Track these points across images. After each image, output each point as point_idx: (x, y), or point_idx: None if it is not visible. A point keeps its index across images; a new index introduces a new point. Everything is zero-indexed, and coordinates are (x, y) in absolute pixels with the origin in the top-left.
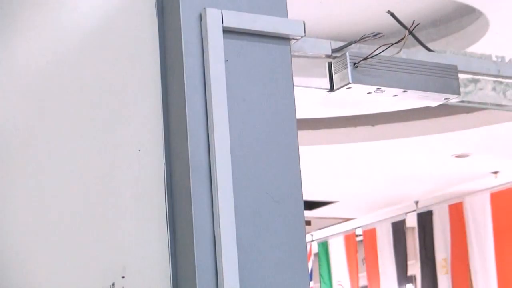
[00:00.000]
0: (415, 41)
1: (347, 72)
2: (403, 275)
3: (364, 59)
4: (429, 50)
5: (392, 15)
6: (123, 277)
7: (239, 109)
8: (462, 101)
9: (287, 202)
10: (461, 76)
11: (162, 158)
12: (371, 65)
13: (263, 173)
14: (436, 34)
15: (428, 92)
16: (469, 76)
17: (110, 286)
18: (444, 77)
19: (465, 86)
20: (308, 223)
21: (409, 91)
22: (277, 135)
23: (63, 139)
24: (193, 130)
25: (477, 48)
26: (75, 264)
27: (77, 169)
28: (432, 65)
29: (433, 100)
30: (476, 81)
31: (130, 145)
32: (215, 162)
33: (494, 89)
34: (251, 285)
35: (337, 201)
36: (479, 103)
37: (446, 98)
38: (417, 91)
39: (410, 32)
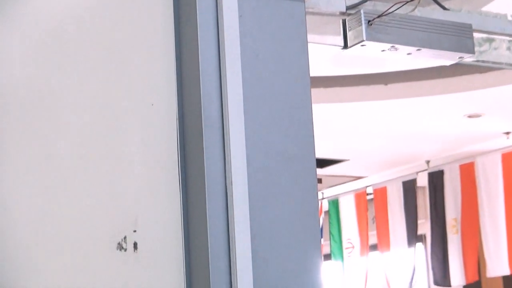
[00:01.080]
0: None
1: (362, 30)
2: (413, 234)
3: (379, 16)
4: (444, 8)
5: None
6: (134, 231)
7: (253, 65)
8: (477, 61)
9: (300, 159)
10: (475, 35)
11: (175, 112)
12: (386, 23)
13: (276, 130)
14: None
15: (442, 51)
16: (484, 35)
17: (122, 239)
18: (459, 36)
19: (480, 45)
20: (319, 181)
21: (423, 50)
22: (290, 92)
23: (77, 93)
24: (206, 85)
25: (492, 7)
26: (87, 220)
27: (90, 122)
28: (446, 23)
29: (447, 59)
30: (491, 41)
31: (144, 100)
32: (228, 118)
33: (509, 48)
34: (261, 238)
35: (348, 160)
36: (494, 63)
37: (460, 57)
38: (431, 50)
39: None
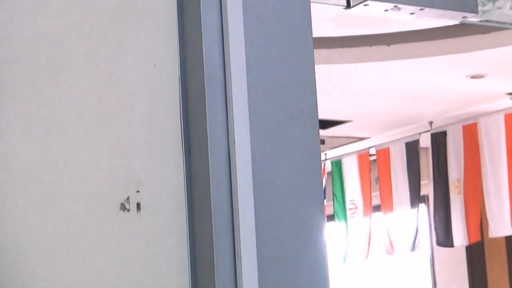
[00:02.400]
0: None
1: None
2: (415, 195)
3: None
4: None
5: None
6: (137, 191)
7: (255, 26)
8: (480, 20)
9: (302, 119)
10: None
11: (177, 73)
12: None
13: (279, 90)
14: None
15: (445, 10)
16: None
17: (125, 200)
18: None
19: (483, 4)
20: (322, 142)
21: (426, 9)
22: (293, 53)
23: (80, 54)
24: (208, 45)
25: None
26: (89, 182)
27: (92, 83)
28: None
29: (450, 18)
30: (494, 0)
31: (145, 60)
32: (230, 78)
33: None
34: (264, 199)
35: (351, 121)
36: (497, 22)
37: (463, 17)
38: (434, 9)
39: None
